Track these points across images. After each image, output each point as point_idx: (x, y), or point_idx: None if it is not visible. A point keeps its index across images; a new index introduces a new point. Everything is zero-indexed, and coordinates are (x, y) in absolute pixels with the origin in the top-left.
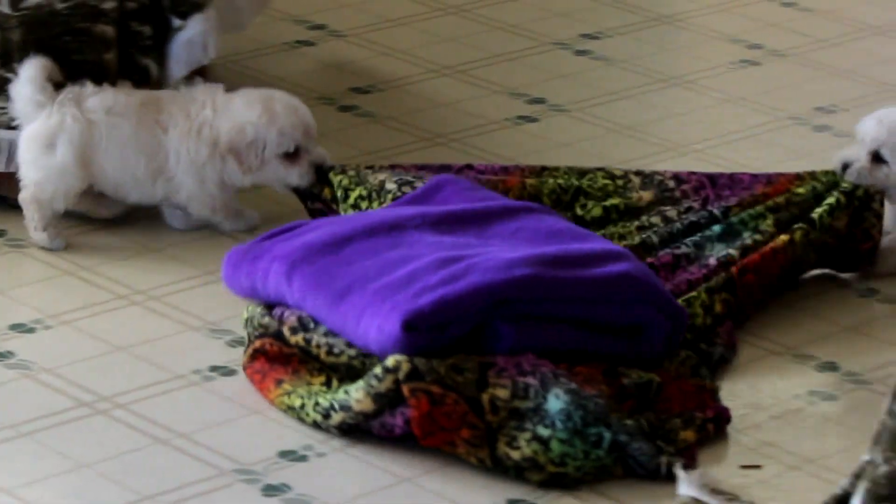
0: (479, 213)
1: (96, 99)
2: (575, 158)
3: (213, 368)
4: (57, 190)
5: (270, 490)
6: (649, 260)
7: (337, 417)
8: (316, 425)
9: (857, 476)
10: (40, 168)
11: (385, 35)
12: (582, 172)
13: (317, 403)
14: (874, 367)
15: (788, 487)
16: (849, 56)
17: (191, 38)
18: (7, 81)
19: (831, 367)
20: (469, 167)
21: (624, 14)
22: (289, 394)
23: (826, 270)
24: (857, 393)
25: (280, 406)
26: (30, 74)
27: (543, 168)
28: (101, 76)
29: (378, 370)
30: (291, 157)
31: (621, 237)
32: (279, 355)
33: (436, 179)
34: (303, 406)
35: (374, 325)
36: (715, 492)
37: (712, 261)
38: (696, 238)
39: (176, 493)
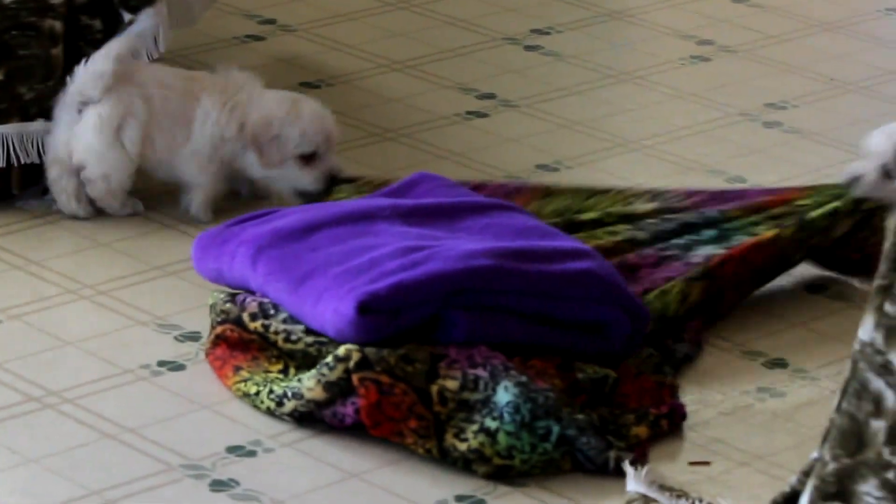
0: (450, 207)
1: (146, 73)
2: (524, 154)
3: (162, 363)
4: (121, 176)
5: (218, 485)
6: (632, 256)
7: (289, 405)
8: (270, 413)
9: (806, 473)
10: (107, 160)
11: (335, 30)
12: (590, 193)
13: (271, 391)
14: (823, 363)
15: (737, 484)
16: (799, 52)
17: (141, 32)
18: None
19: (780, 363)
20: (482, 186)
21: (574, 10)
22: (246, 381)
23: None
24: (806, 390)
25: (237, 393)
26: (116, 53)
27: (548, 189)
28: (49, 71)
29: (329, 359)
30: (308, 160)
31: (611, 234)
32: (239, 342)
33: (414, 175)
34: (258, 393)
35: (331, 307)
36: (663, 488)
37: (695, 259)
38: (684, 241)
39: (124, 488)
